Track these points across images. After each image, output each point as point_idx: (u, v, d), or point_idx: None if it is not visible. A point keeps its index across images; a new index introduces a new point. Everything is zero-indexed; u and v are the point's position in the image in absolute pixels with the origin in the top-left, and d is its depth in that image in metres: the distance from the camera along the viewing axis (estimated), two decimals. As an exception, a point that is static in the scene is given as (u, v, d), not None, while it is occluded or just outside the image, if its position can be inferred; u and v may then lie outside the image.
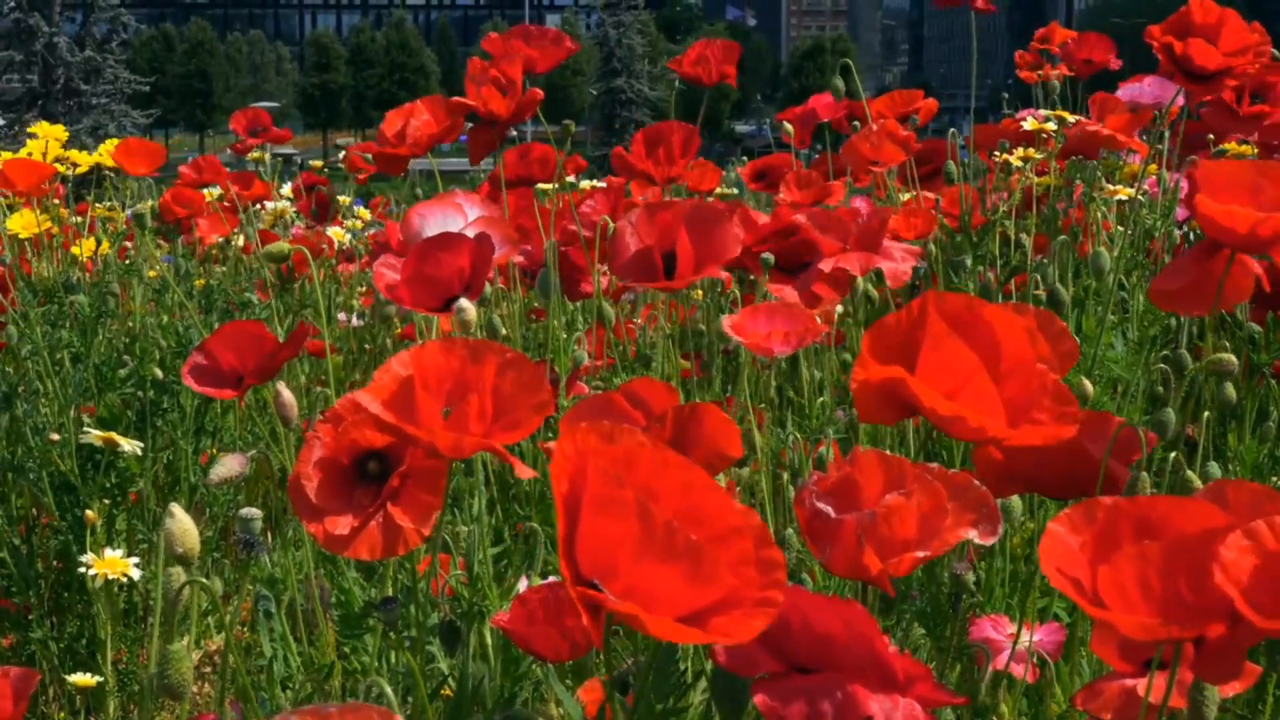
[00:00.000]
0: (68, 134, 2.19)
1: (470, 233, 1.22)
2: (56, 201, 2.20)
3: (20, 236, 2.03)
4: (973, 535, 0.76)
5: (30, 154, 2.12)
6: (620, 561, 0.62)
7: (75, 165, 2.20)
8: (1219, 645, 0.63)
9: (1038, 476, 0.94)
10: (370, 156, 2.82)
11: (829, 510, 0.75)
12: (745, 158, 3.23)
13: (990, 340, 0.82)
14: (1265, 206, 1.03)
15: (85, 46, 31.21)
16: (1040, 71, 2.86)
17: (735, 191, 2.78)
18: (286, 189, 2.80)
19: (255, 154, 2.89)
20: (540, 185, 2.12)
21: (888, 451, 1.52)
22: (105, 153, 2.30)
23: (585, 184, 2.66)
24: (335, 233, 2.53)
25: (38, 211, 2.05)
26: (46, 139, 2.12)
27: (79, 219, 2.51)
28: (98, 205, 2.41)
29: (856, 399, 0.85)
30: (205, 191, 2.65)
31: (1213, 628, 0.62)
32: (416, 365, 0.82)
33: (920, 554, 0.75)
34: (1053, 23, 2.98)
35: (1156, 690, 0.73)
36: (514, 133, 2.06)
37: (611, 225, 1.73)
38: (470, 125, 1.80)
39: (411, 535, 0.86)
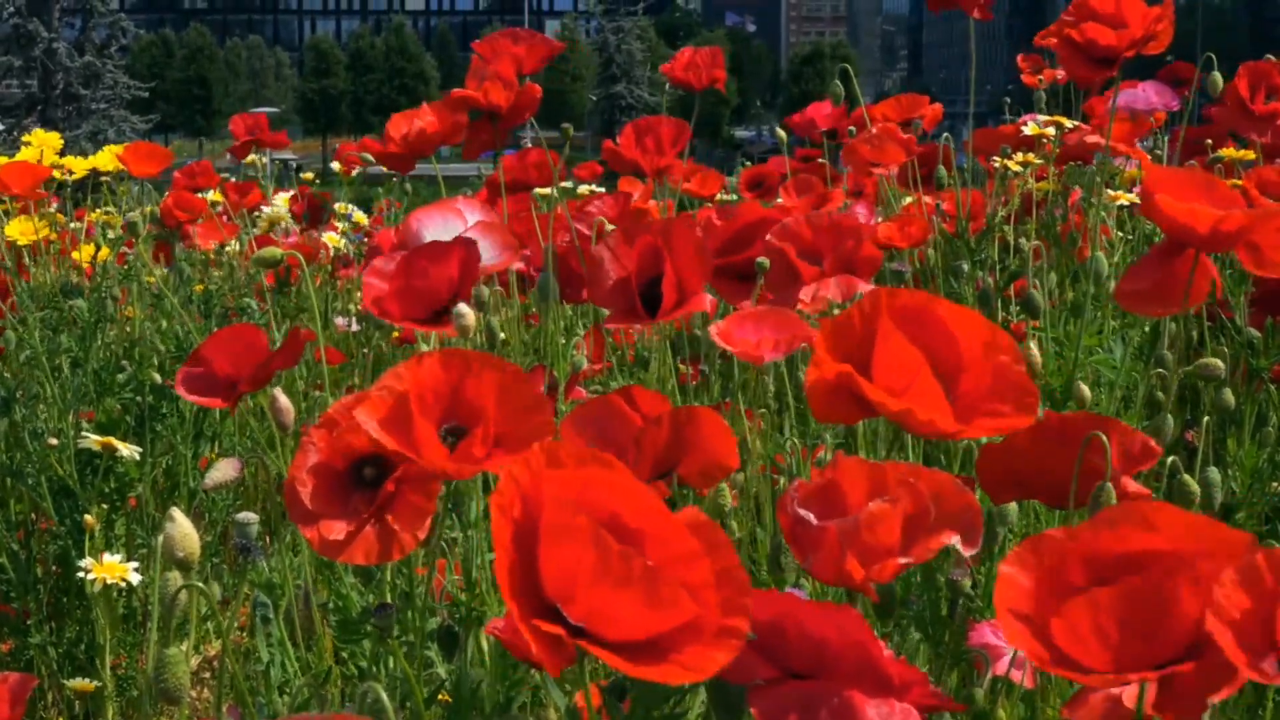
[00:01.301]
0: (64, 140, 2.19)
1: (457, 239, 1.20)
2: (52, 209, 2.20)
3: (19, 243, 2.03)
4: (955, 542, 0.76)
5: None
6: (578, 587, 0.62)
7: (71, 172, 2.21)
8: (1183, 686, 0.63)
9: (1039, 484, 0.94)
10: (367, 156, 2.82)
11: (810, 517, 0.75)
12: (746, 163, 3.24)
13: (947, 336, 0.83)
14: (1220, 206, 1.03)
15: (84, 52, 31.24)
16: (1042, 74, 2.86)
17: (735, 197, 2.79)
18: (282, 196, 2.80)
19: (251, 158, 2.89)
20: (539, 190, 2.12)
21: (886, 456, 1.52)
22: (100, 159, 2.29)
23: (583, 189, 2.66)
24: (330, 238, 2.53)
25: (35, 218, 2.05)
26: (42, 147, 2.12)
27: (76, 224, 2.51)
28: (95, 210, 2.41)
29: (810, 398, 0.85)
30: (205, 195, 2.65)
31: (1175, 668, 0.62)
32: (413, 381, 0.81)
33: (903, 560, 0.75)
34: (1053, 25, 2.97)
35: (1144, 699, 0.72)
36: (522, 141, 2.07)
37: (610, 226, 1.73)
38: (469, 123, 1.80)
39: (407, 541, 0.86)
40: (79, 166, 2.21)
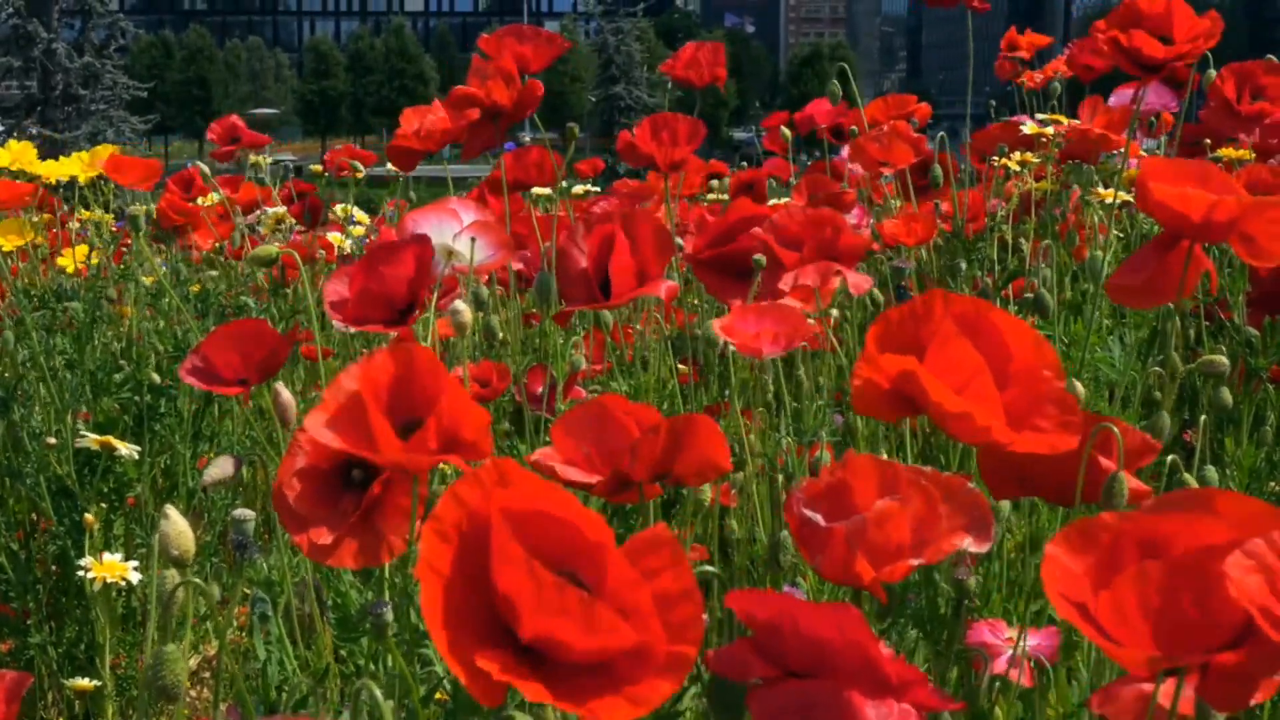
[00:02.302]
0: (63, 141, 2.19)
1: (410, 237, 1.18)
2: (36, 218, 2.19)
3: (4, 249, 2.03)
4: (967, 543, 0.76)
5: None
6: (522, 612, 0.61)
7: (46, 177, 2.19)
8: (1227, 672, 0.62)
9: (1041, 481, 0.93)
10: (358, 165, 2.83)
11: (818, 518, 0.75)
12: (744, 164, 3.24)
13: (998, 344, 0.82)
14: (1215, 193, 1.02)
15: (84, 53, 31.23)
16: (1023, 77, 2.88)
17: (725, 198, 2.79)
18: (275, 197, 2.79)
19: (255, 158, 2.89)
20: (537, 190, 2.12)
21: (884, 456, 1.52)
22: (72, 166, 2.27)
23: (578, 189, 2.66)
24: (334, 238, 2.53)
25: (24, 223, 2.05)
26: (16, 158, 2.13)
27: (63, 227, 2.51)
28: (84, 211, 2.40)
29: (858, 393, 0.85)
30: (203, 199, 2.64)
31: (1221, 655, 0.62)
32: (364, 379, 0.81)
33: (914, 561, 0.74)
34: (1010, 28, 3.00)
35: (1171, 695, 0.72)
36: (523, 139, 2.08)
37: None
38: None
39: (395, 544, 0.85)
40: (55, 172, 2.19)
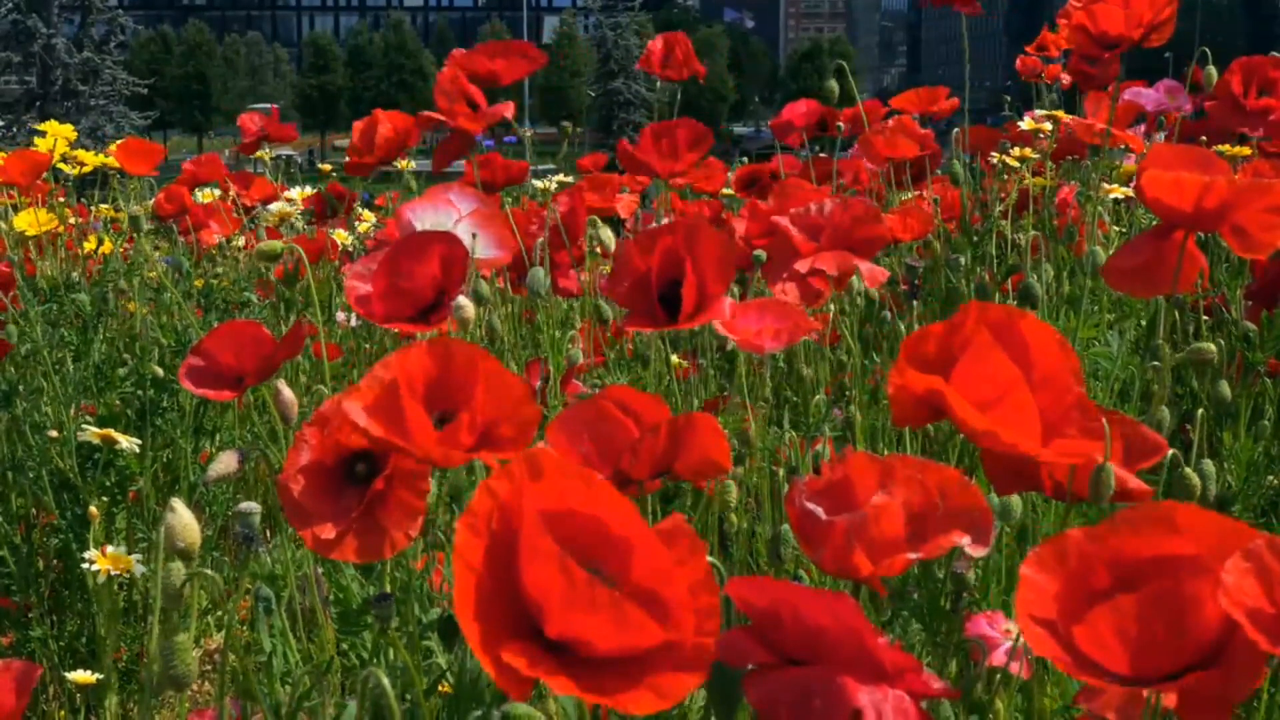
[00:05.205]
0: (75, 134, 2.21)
1: (436, 234, 1.16)
2: (61, 200, 2.21)
3: (27, 235, 2.04)
4: (964, 543, 0.76)
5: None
6: (552, 608, 0.61)
7: (82, 164, 2.22)
8: (1203, 694, 0.63)
9: (1041, 474, 0.94)
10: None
11: (819, 511, 0.75)
12: (744, 159, 3.24)
13: (1023, 351, 0.82)
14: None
15: (83, 48, 31.23)
16: (1043, 72, 2.89)
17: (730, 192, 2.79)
18: (294, 192, 2.80)
19: (261, 152, 2.90)
20: (536, 184, 2.14)
21: (885, 450, 1.53)
22: (111, 152, 2.30)
23: (539, 184, 2.67)
24: (338, 234, 2.54)
25: (39, 211, 2.06)
26: (56, 137, 2.14)
27: (78, 220, 2.52)
28: (101, 205, 2.42)
29: (892, 401, 0.85)
30: (206, 191, 2.66)
31: (1202, 674, 0.62)
32: (401, 369, 0.81)
33: (912, 556, 0.75)
34: (1044, 29, 3.02)
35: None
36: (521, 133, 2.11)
37: (561, 226, 1.76)
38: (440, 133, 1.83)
39: (398, 539, 0.85)
40: (91, 160, 2.22)
